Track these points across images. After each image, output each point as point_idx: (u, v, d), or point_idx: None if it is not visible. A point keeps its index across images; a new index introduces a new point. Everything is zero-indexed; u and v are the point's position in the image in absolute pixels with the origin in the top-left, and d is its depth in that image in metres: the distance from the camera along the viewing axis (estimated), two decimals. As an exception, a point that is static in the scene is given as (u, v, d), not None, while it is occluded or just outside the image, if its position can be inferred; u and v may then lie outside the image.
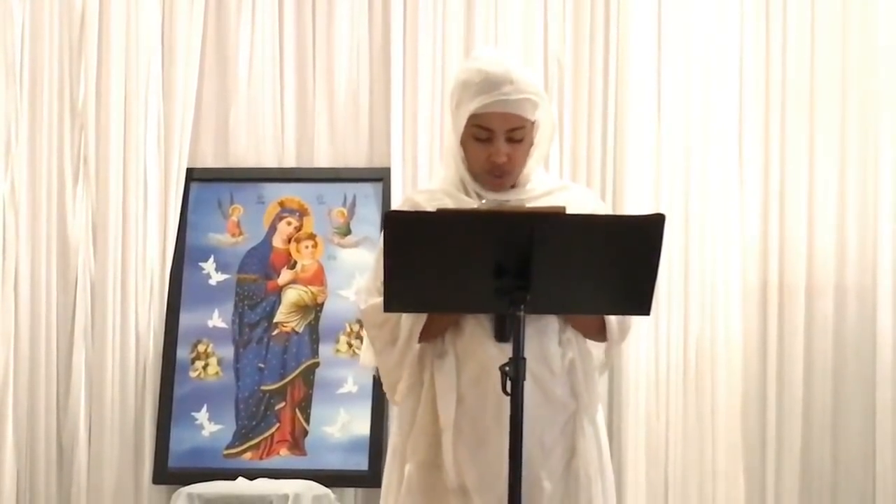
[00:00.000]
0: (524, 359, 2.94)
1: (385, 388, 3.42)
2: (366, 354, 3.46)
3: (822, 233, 5.33)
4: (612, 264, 3.00)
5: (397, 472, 3.36)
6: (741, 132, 5.37)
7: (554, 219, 3.01)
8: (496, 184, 3.32)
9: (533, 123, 3.30)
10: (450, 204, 3.28)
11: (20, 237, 5.57)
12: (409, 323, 3.25)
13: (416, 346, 3.28)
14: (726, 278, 5.33)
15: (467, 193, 3.33)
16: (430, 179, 5.38)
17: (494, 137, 3.26)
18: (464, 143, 3.31)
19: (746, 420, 5.30)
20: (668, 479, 5.32)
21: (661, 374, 5.33)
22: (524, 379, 2.94)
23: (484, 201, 3.27)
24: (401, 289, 3.03)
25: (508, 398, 3.00)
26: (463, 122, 3.27)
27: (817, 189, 5.34)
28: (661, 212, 3.05)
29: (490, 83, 3.23)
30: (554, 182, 3.51)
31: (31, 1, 5.61)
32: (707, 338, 5.32)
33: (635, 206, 5.29)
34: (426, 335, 3.27)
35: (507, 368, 2.94)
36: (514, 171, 3.32)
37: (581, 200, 3.34)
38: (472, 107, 3.24)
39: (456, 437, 3.24)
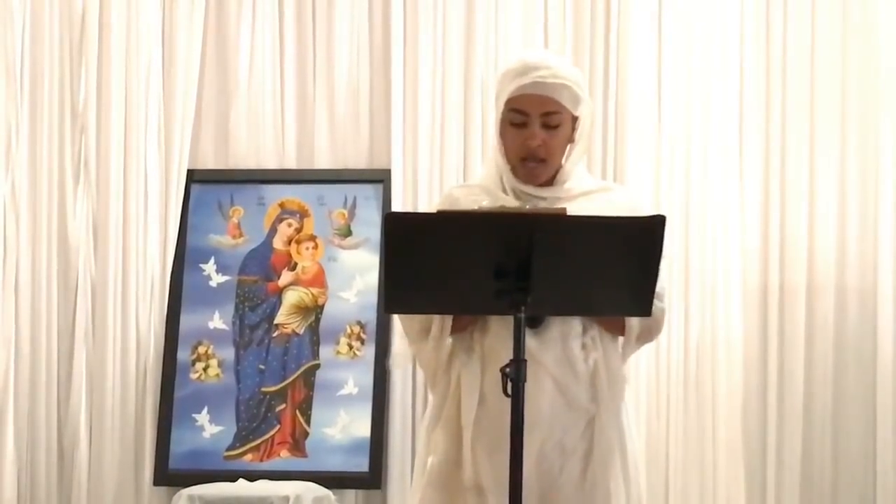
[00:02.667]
0: (524, 360, 2.94)
1: (426, 377, 3.42)
2: (400, 345, 3.47)
3: (822, 233, 5.33)
4: (612, 266, 3.00)
5: (422, 463, 3.37)
6: (741, 133, 5.37)
7: (554, 220, 3.01)
8: (532, 173, 3.31)
9: (575, 119, 3.30)
10: (487, 200, 3.28)
11: (21, 239, 5.57)
12: (441, 315, 3.25)
13: (449, 338, 3.28)
14: (727, 279, 5.33)
15: (504, 191, 3.33)
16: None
17: (530, 121, 3.27)
18: (502, 132, 3.31)
19: (747, 421, 5.30)
20: (669, 480, 5.32)
21: (661, 374, 5.33)
22: (524, 381, 2.94)
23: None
24: (401, 290, 3.03)
25: (532, 400, 3.04)
26: (500, 109, 3.29)
27: (818, 190, 5.34)
28: (662, 213, 3.04)
29: (526, 68, 3.26)
30: (595, 183, 3.49)
31: (31, 2, 5.61)
32: (707, 338, 5.32)
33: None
34: (455, 327, 3.28)
35: (507, 370, 2.94)
36: (550, 161, 3.31)
37: (621, 202, 3.33)
38: (509, 90, 3.26)
39: (475, 437, 3.25)
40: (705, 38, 5.39)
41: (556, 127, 3.28)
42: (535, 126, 3.26)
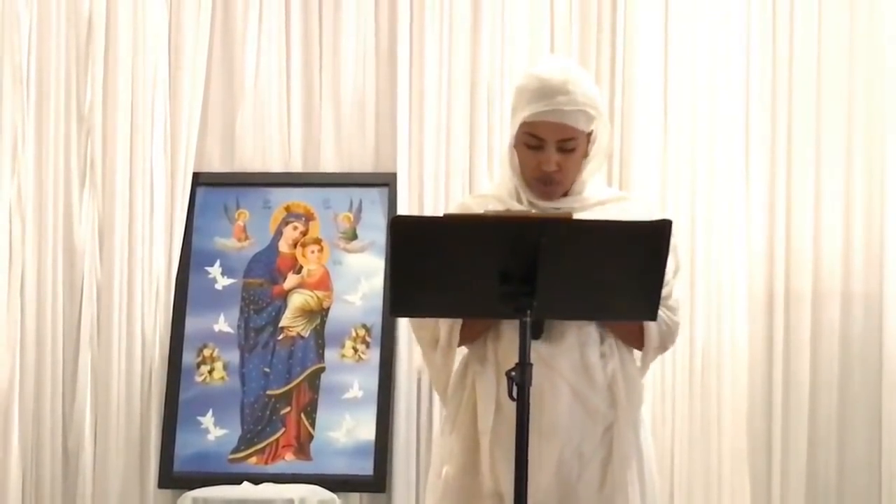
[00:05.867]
0: (530, 364, 2.94)
1: (435, 388, 3.43)
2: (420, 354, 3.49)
3: (828, 239, 5.32)
4: (618, 270, 3.01)
5: (436, 473, 3.37)
6: (747, 138, 5.37)
7: (560, 224, 3.01)
8: (545, 191, 3.31)
9: (588, 136, 3.30)
10: (499, 209, 3.28)
11: (26, 241, 5.57)
12: (448, 326, 3.26)
13: (456, 348, 3.28)
14: (732, 285, 5.32)
15: (519, 200, 3.32)
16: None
17: (545, 146, 3.26)
18: (517, 148, 3.31)
19: (752, 426, 5.30)
20: (674, 485, 5.31)
21: (666, 380, 5.33)
22: (530, 384, 2.94)
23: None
24: (406, 294, 3.03)
25: (550, 408, 3.07)
26: (516, 127, 3.27)
27: (824, 195, 5.33)
28: (668, 218, 3.04)
29: (545, 92, 3.23)
30: (611, 193, 3.49)
31: (38, 4, 5.61)
32: (713, 344, 5.31)
33: (641, 211, 5.28)
34: (465, 338, 3.28)
35: (513, 374, 2.94)
36: (565, 181, 3.31)
37: (636, 212, 3.32)
38: (524, 114, 3.24)
39: (493, 444, 3.25)
40: (711, 44, 5.38)
41: (571, 150, 3.27)
42: (550, 150, 3.26)
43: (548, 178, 3.27)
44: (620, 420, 3.27)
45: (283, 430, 5.43)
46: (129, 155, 5.58)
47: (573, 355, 3.24)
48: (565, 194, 3.35)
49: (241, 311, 5.54)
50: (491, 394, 3.26)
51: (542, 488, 3.14)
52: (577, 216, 3.14)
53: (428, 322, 3.30)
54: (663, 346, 3.35)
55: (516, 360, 2.97)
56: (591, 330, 3.27)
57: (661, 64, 5.41)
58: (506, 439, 3.20)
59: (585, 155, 3.33)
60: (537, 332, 3.20)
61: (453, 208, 3.51)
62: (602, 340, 3.29)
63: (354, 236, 5.55)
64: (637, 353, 3.38)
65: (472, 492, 3.29)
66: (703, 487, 5.30)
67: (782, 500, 5.27)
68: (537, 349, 3.01)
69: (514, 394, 2.94)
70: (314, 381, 5.46)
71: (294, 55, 5.63)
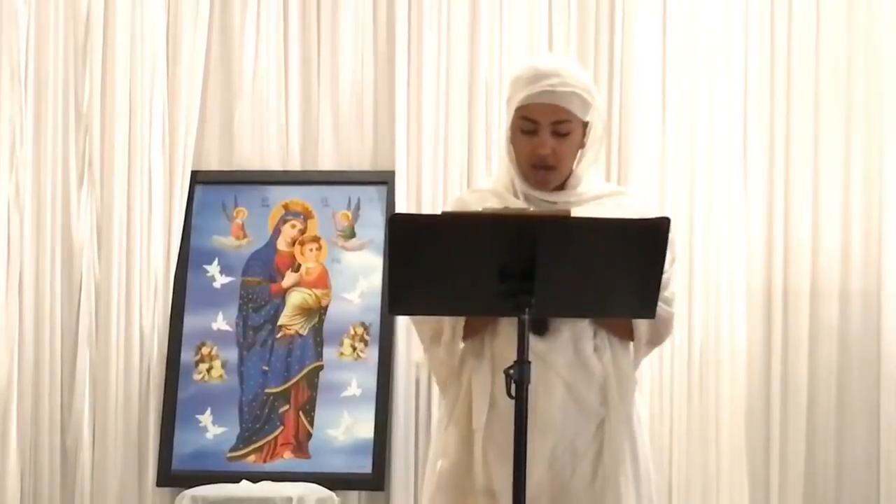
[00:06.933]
0: (529, 362, 2.94)
1: (436, 380, 3.43)
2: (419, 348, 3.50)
3: (826, 237, 5.32)
4: (617, 268, 3.01)
5: (432, 467, 3.38)
6: (746, 135, 5.37)
7: (558, 222, 3.01)
8: (541, 180, 3.31)
9: (585, 125, 3.30)
10: (496, 204, 3.28)
11: (24, 239, 5.57)
12: (452, 320, 3.26)
13: (460, 342, 3.29)
14: (731, 282, 5.32)
15: (516, 194, 3.33)
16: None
17: (540, 129, 3.27)
18: (512, 138, 3.32)
19: (750, 424, 5.30)
20: (672, 483, 5.32)
21: (664, 377, 5.33)
22: (529, 382, 2.94)
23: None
24: (404, 292, 3.03)
25: (543, 403, 3.08)
26: (511, 115, 3.29)
27: (821, 193, 5.34)
28: (666, 215, 3.04)
29: (538, 75, 3.26)
30: (608, 187, 3.49)
31: (36, 2, 5.61)
32: (711, 341, 5.31)
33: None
34: (467, 333, 3.28)
35: (511, 372, 2.94)
36: (560, 167, 3.31)
37: (632, 207, 3.33)
38: (519, 98, 3.26)
39: (487, 440, 3.25)
40: (710, 41, 5.38)
41: (566, 135, 3.28)
42: (544, 134, 3.27)
43: (543, 162, 3.28)
44: (612, 415, 3.28)
45: (282, 428, 5.43)
46: (127, 153, 5.58)
47: (567, 351, 3.25)
48: (562, 188, 3.35)
49: (240, 310, 5.54)
50: (486, 390, 3.27)
51: (534, 484, 3.14)
52: (573, 211, 3.14)
53: (429, 317, 3.30)
54: (658, 339, 3.35)
55: (512, 356, 2.97)
56: (584, 325, 3.28)
57: (660, 60, 5.41)
58: (500, 436, 3.21)
59: (582, 146, 3.34)
60: (542, 329, 3.21)
61: (450, 203, 3.51)
62: (595, 334, 3.29)
63: (353, 234, 5.55)
64: (631, 347, 3.37)
65: (465, 487, 3.30)
66: (701, 484, 5.30)
67: (780, 497, 5.27)
68: (532, 345, 3.01)
69: (513, 391, 2.94)
70: (313, 379, 5.46)
71: (292, 53, 5.63)
